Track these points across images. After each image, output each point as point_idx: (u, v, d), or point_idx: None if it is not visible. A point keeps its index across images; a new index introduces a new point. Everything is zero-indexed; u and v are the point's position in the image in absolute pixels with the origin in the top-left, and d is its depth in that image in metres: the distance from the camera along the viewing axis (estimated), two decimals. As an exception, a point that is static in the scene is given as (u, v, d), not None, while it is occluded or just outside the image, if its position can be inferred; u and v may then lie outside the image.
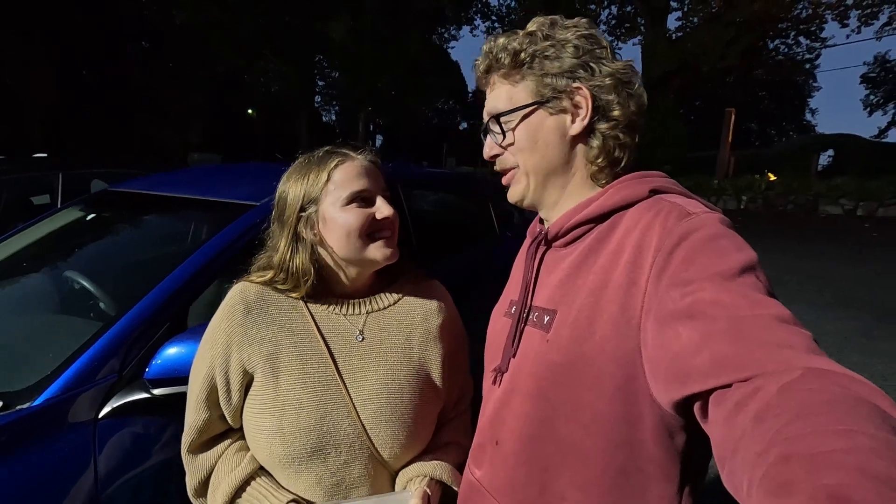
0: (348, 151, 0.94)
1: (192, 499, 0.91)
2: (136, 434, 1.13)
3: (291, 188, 0.93)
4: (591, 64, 0.72)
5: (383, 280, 1.01)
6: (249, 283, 0.94)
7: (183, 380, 1.12)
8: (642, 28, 14.76)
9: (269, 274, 0.93)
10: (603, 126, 0.73)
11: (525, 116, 0.75)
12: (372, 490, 0.89)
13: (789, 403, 0.42)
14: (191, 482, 0.90)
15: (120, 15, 17.42)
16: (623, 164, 0.75)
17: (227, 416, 0.91)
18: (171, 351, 1.14)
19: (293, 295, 0.93)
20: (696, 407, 0.53)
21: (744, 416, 0.44)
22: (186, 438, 0.90)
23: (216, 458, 0.90)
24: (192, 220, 1.87)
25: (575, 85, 0.72)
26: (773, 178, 13.92)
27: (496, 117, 0.76)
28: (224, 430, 0.93)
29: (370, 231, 0.90)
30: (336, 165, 0.91)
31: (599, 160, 0.74)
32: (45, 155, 5.77)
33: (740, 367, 0.48)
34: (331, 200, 0.90)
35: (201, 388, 0.89)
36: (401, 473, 0.92)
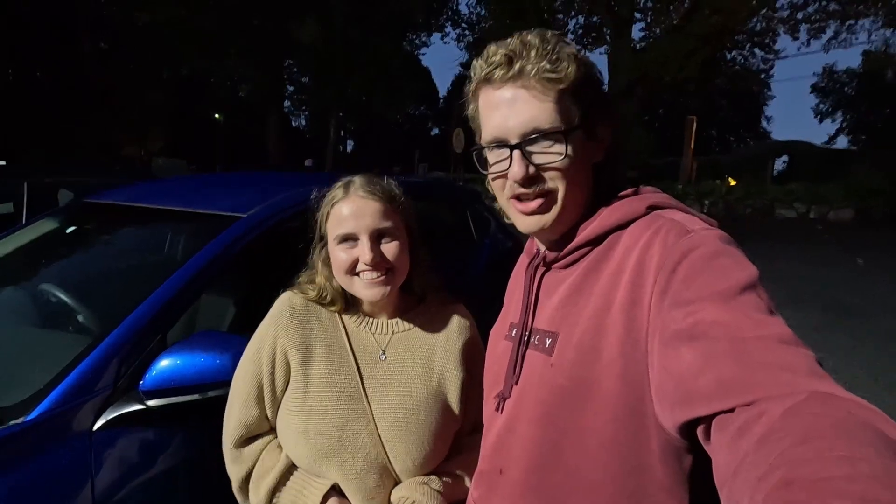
0: (351, 185, 0.99)
1: (235, 491, 0.98)
2: (132, 445, 1.14)
3: (319, 220, 1.02)
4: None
5: (411, 299, 1.07)
6: (295, 293, 1.02)
7: (177, 391, 1.14)
8: (608, 38, 15.15)
9: (311, 291, 1.02)
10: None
11: (573, 139, 0.69)
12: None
13: (793, 427, 0.41)
14: (238, 473, 0.97)
15: (75, 12, 16.69)
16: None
17: (268, 414, 0.98)
18: (165, 363, 1.16)
19: (332, 308, 1.02)
20: (700, 430, 0.52)
21: (747, 440, 0.44)
22: (234, 434, 0.97)
23: (259, 452, 0.98)
24: (180, 232, 1.87)
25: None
26: (732, 182, 14.54)
27: (548, 133, 0.68)
28: (265, 430, 1.00)
29: (355, 270, 0.96)
30: (333, 205, 0.99)
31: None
32: (3, 163, 5.55)
33: (744, 391, 0.47)
34: (330, 236, 0.99)
35: (251, 387, 0.97)
36: (395, 489, 0.95)
